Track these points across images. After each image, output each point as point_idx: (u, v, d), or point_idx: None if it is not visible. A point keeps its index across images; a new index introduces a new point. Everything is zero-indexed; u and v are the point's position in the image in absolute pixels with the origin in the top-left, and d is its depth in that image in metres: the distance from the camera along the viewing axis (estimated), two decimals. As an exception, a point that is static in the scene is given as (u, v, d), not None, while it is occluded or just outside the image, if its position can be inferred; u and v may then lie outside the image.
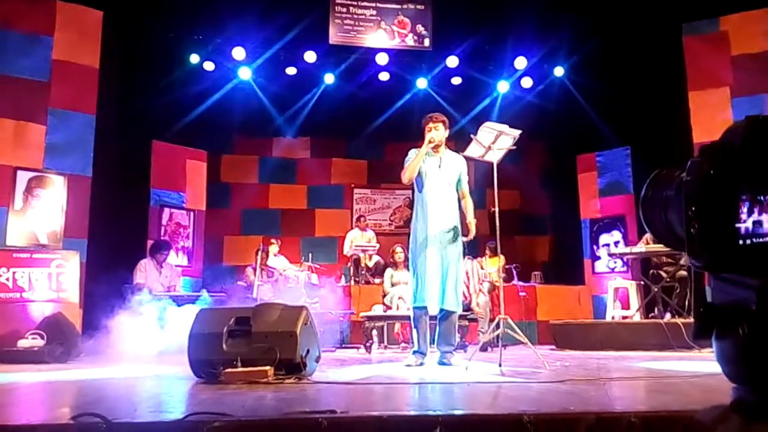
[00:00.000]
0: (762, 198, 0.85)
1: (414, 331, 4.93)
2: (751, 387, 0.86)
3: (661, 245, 7.09)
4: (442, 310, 4.76)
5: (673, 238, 0.97)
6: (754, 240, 0.86)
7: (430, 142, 4.82)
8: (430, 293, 4.67)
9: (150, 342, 6.13)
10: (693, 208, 0.87)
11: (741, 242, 0.85)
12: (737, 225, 0.85)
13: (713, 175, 0.86)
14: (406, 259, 7.71)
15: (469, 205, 4.98)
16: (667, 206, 0.97)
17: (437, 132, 4.85)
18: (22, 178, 6.93)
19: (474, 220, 4.91)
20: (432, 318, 4.89)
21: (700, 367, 4.34)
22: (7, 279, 6.45)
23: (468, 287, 7.33)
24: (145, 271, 7.44)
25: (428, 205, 4.78)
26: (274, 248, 9.21)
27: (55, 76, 7.17)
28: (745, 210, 0.85)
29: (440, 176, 4.85)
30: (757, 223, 0.86)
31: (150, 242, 8.47)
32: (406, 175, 4.85)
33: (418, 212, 4.87)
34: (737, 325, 0.85)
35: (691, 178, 0.89)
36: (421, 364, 4.68)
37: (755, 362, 0.85)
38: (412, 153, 4.93)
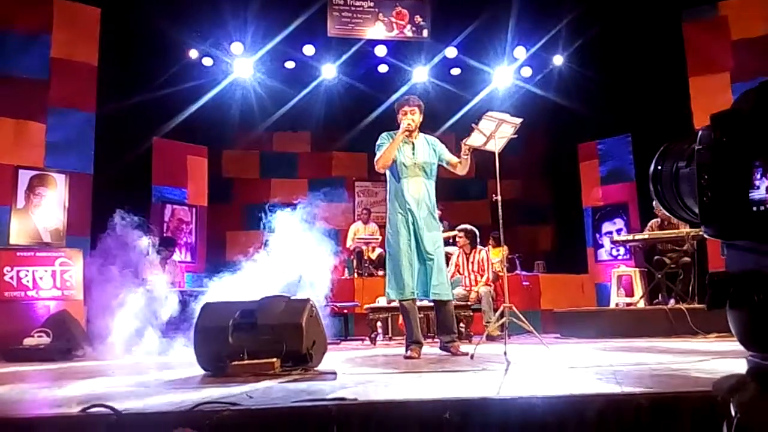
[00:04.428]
0: (775, 164, 0.84)
1: (406, 322, 4.72)
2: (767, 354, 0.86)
3: (666, 232, 7.15)
4: (434, 300, 4.68)
5: (685, 211, 0.96)
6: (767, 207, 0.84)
7: (407, 129, 4.65)
8: (413, 281, 4.55)
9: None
10: (705, 177, 0.86)
11: (755, 209, 0.84)
12: (750, 192, 0.84)
13: (725, 142, 0.84)
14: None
15: (462, 166, 4.76)
16: (677, 178, 0.96)
17: (413, 117, 4.69)
18: (24, 177, 6.94)
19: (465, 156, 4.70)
20: (427, 308, 4.81)
21: (705, 352, 4.34)
22: (11, 278, 6.46)
23: (473, 276, 7.33)
24: (150, 267, 7.42)
25: (405, 194, 4.62)
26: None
27: (54, 75, 7.17)
28: (758, 177, 0.84)
29: (415, 163, 4.68)
30: (771, 190, 0.84)
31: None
32: (381, 163, 4.66)
33: (394, 202, 4.69)
34: (752, 292, 0.84)
35: (703, 147, 0.87)
36: (419, 350, 4.61)
37: (772, 328, 0.84)
38: (385, 137, 4.75)
